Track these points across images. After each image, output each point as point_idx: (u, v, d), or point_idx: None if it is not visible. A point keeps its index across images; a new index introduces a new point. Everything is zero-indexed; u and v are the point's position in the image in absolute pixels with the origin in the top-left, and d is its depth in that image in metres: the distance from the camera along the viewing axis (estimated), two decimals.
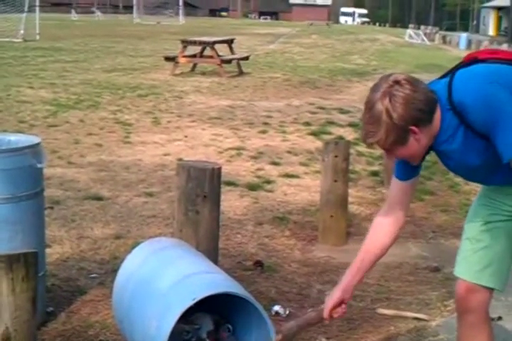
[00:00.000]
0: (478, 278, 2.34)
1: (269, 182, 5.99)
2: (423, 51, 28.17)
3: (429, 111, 2.02)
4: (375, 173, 6.44)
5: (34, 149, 2.84)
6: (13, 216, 2.78)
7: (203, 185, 3.14)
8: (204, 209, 3.19)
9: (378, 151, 7.18)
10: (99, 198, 5.20)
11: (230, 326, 2.77)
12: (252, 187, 5.75)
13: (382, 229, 2.39)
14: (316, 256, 4.31)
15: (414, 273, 4.09)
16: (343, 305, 2.46)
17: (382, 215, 2.40)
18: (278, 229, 4.75)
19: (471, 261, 2.37)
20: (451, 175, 6.34)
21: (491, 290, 2.36)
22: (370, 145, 2.13)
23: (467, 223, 2.43)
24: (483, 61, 2.15)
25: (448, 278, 3.98)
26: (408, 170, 2.29)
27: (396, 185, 2.35)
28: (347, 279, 2.45)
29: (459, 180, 6.28)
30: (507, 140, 1.96)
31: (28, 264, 2.09)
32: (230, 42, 15.93)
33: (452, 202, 5.67)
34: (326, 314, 2.44)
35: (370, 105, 2.02)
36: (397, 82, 2.00)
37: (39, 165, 2.84)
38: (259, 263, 4.02)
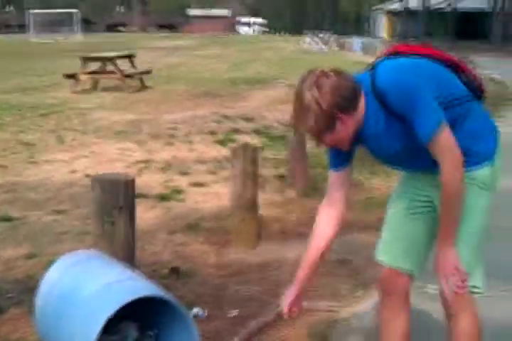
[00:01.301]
0: (397, 262, 2.54)
1: (179, 191, 6.08)
2: (322, 57, 28.84)
3: (353, 98, 2.20)
4: (281, 177, 6.63)
5: None
6: None
7: (118, 197, 3.20)
8: (120, 221, 3.25)
9: (283, 155, 7.39)
10: (8, 219, 5.16)
11: (151, 332, 2.84)
12: (163, 198, 5.83)
13: (324, 222, 2.51)
14: (231, 259, 4.43)
15: (324, 265, 4.21)
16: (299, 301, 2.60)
17: (324, 208, 2.52)
18: (191, 236, 4.85)
19: (391, 247, 2.56)
20: (354, 174, 6.62)
21: (410, 274, 2.56)
22: (300, 133, 2.28)
23: (387, 211, 2.61)
24: (402, 54, 2.36)
25: (355, 270, 4.20)
26: (339, 159, 2.45)
27: (332, 177, 2.49)
28: (300, 276, 2.57)
29: (361, 177, 6.57)
30: (423, 123, 2.16)
31: None
32: (130, 57, 15.88)
33: (356, 199, 5.91)
34: (285, 311, 2.58)
35: (299, 95, 2.18)
36: (323, 73, 2.17)
37: None
38: (175, 270, 4.10)
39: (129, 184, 3.29)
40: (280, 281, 3.94)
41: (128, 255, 3.36)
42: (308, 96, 2.15)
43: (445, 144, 2.18)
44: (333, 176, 2.49)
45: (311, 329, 3.38)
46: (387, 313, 2.64)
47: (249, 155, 4.58)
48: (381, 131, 2.28)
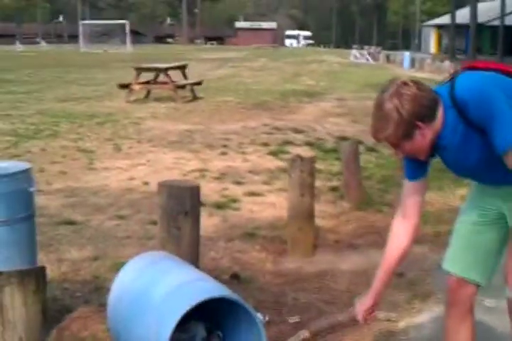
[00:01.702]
0: (465, 272, 2.59)
1: (234, 200, 6.20)
2: (369, 70, 28.86)
3: (432, 107, 2.26)
4: (334, 188, 6.70)
5: (26, 174, 3.02)
6: (10, 238, 2.94)
7: (184, 202, 3.34)
8: (185, 226, 3.38)
9: (335, 167, 7.48)
10: (72, 223, 5.35)
11: (220, 333, 2.95)
12: (219, 207, 5.95)
13: (399, 233, 2.55)
14: (288, 267, 4.52)
15: None
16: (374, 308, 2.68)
17: (398, 218, 2.57)
18: (248, 244, 4.96)
19: (460, 257, 2.62)
20: None
21: (476, 285, 2.62)
22: (380, 141, 2.34)
23: (457, 223, 2.66)
24: (480, 69, 2.41)
25: (412, 282, 4.25)
26: (416, 169, 2.50)
27: (407, 186, 2.54)
28: (376, 286, 2.63)
29: None
30: (500, 134, 2.19)
31: (38, 278, 2.26)
32: (182, 68, 16.17)
33: None
34: (360, 317, 2.67)
35: (379, 103, 2.26)
36: (404, 83, 2.25)
37: (31, 189, 3.02)
38: (235, 276, 4.22)
39: (194, 190, 3.42)
40: (337, 291, 4.04)
41: (193, 259, 3.49)
42: (389, 104, 2.22)
43: None
44: (408, 187, 2.53)
45: (372, 339, 3.45)
46: (452, 323, 2.69)
47: (307, 166, 4.68)
48: (459, 143, 2.33)
